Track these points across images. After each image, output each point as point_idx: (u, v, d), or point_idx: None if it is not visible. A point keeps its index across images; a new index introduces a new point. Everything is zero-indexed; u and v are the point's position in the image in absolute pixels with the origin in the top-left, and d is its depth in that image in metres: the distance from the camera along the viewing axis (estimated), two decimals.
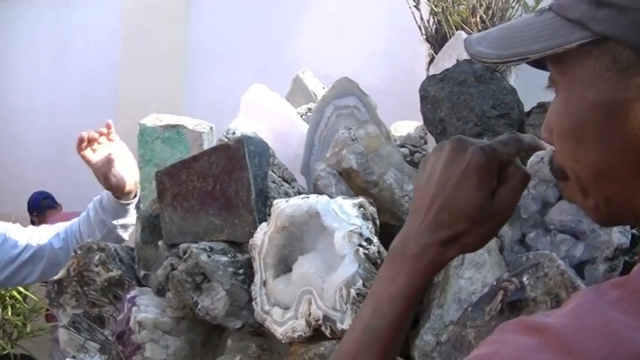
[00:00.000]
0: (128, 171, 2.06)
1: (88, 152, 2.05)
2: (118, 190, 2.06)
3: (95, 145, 2.06)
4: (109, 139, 2.10)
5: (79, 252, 1.74)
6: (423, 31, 2.19)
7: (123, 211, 2.08)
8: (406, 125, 1.90)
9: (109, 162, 2.02)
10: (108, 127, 2.10)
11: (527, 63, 0.78)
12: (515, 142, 0.85)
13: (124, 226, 2.12)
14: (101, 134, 2.08)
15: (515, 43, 0.75)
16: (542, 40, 0.73)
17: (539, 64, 0.78)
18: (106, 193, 2.11)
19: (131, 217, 2.11)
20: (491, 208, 0.83)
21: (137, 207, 2.12)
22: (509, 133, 0.87)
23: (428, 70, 1.93)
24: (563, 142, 0.74)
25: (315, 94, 2.13)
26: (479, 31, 2.03)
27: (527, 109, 1.63)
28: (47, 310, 3.37)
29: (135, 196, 2.11)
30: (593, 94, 0.69)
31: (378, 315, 0.86)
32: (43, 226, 2.21)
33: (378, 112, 1.69)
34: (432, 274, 0.88)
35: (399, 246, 0.88)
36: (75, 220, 2.18)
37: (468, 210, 0.83)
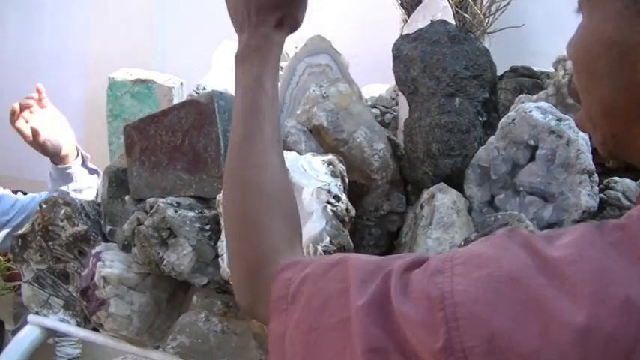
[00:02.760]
0: (62, 135, 2.08)
1: (21, 123, 2.04)
2: (55, 157, 2.08)
3: (27, 115, 2.05)
4: (41, 106, 2.08)
5: (44, 206, 1.72)
6: None
7: (66, 176, 2.09)
8: (379, 87, 1.89)
9: (38, 132, 2.04)
10: (39, 92, 2.08)
11: None
12: None
13: (78, 191, 2.12)
14: (31, 99, 2.08)
15: None
16: None
17: None
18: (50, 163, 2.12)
19: (81, 181, 2.13)
20: None
21: (87, 168, 2.13)
22: None
23: (402, 33, 1.92)
24: (578, 71, 0.75)
25: (287, 54, 2.11)
26: None
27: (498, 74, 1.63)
28: (8, 269, 3.33)
29: (77, 157, 2.12)
30: (610, 30, 0.69)
31: (250, 100, 0.99)
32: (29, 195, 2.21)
33: (351, 75, 1.68)
34: (279, 55, 1.03)
35: (242, 49, 1.02)
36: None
37: (273, 2, 1.01)
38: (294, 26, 1.06)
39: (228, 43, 1.98)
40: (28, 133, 2.03)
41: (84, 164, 2.15)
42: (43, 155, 2.09)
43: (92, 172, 2.19)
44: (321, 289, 0.78)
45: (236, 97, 1.02)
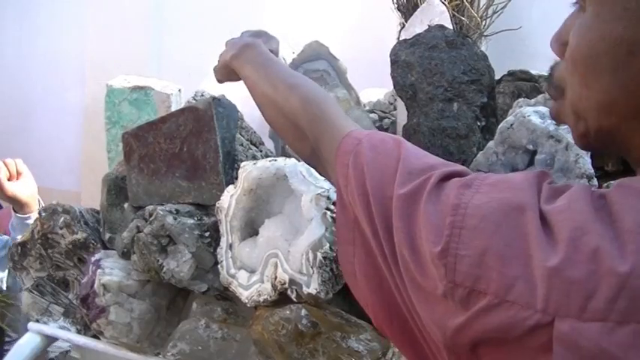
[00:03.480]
0: (23, 184, 2.18)
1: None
2: (16, 205, 2.17)
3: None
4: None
5: (43, 214, 1.72)
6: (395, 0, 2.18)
7: (24, 225, 2.16)
8: (376, 92, 1.89)
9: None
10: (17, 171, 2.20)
11: None
12: None
13: None
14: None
15: None
16: None
17: None
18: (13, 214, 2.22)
19: None
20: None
21: None
22: None
23: (399, 37, 1.92)
24: (575, 65, 0.75)
25: (284, 59, 2.11)
26: (450, 1, 2.03)
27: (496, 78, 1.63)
28: None
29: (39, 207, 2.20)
30: (620, 29, 0.69)
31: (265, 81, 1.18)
32: None
33: (349, 80, 1.68)
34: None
35: (234, 52, 1.26)
36: None
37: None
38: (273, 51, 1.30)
39: None
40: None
41: None
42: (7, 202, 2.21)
43: None
44: (379, 161, 0.88)
45: (250, 74, 1.22)
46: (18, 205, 2.16)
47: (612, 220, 0.63)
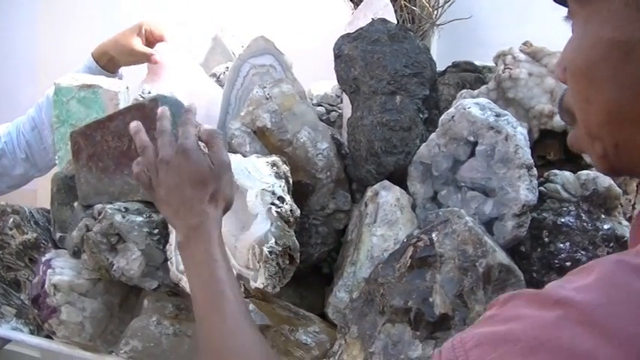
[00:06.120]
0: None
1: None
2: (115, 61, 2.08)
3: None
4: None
5: None
6: None
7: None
8: (326, 85, 1.89)
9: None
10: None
11: None
12: (188, 114, 1.19)
13: None
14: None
15: None
16: None
17: None
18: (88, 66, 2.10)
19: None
20: (216, 167, 1.10)
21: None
22: (185, 111, 1.21)
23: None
24: (576, 81, 0.73)
25: (234, 54, 2.11)
26: None
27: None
28: None
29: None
30: (610, 31, 0.67)
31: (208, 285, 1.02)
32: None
33: (302, 72, 1.68)
34: (220, 232, 1.07)
35: (183, 232, 1.07)
36: (20, 120, 2.13)
37: (203, 178, 1.08)
38: (227, 202, 1.11)
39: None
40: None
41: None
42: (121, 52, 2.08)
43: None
44: None
45: (191, 279, 1.05)
46: (113, 59, 2.08)
47: None
